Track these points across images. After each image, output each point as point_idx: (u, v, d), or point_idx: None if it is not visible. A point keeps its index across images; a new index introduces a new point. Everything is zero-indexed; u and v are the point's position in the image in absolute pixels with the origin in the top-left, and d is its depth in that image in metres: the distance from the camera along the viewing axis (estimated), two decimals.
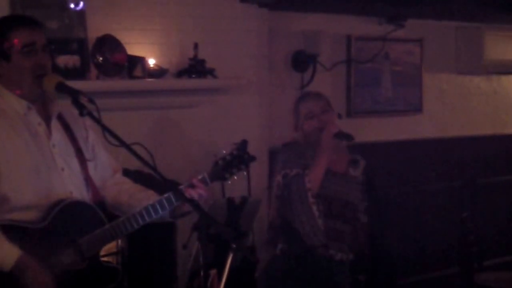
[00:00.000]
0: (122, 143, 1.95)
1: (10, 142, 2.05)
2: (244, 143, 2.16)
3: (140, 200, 2.23)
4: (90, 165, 2.22)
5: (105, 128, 1.96)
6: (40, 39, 2.10)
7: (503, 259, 4.84)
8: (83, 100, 2.01)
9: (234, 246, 1.96)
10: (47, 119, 2.15)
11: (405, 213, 4.62)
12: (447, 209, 4.72)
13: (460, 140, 5.02)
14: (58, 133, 2.16)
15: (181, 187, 2.13)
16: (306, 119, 2.81)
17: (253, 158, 2.16)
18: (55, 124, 2.16)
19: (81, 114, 1.99)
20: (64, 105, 2.20)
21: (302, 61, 4.19)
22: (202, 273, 2.10)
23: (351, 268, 2.83)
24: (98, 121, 1.97)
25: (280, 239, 2.79)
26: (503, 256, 4.88)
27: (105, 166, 2.31)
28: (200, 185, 2.14)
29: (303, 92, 3.07)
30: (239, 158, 2.13)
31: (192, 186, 2.12)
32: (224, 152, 2.15)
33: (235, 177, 2.15)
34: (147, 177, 2.53)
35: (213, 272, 2.73)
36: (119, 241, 2.23)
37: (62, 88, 2.06)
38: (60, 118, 2.19)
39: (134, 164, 2.15)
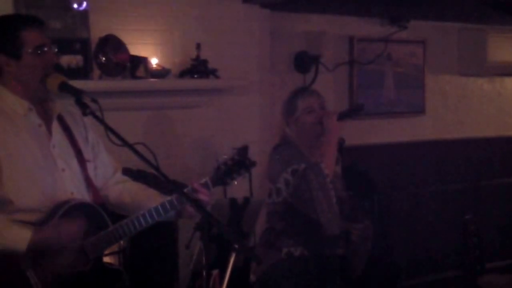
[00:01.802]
0: (125, 143, 1.94)
1: (11, 144, 2.05)
2: (245, 149, 2.17)
3: (142, 201, 2.24)
4: (90, 166, 2.22)
5: (108, 128, 1.96)
6: (48, 39, 2.12)
7: (506, 261, 4.82)
8: (86, 100, 2.01)
9: (236, 246, 1.96)
10: (47, 120, 2.15)
11: (407, 215, 4.62)
12: (449, 211, 4.72)
13: (463, 142, 5.01)
14: (58, 134, 2.16)
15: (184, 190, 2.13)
16: (303, 113, 2.81)
17: (253, 164, 2.16)
18: (55, 125, 2.16)
19: (84, 114, 1.99)
20: (63, 106, 2.20)
21: (304, 62, 4.19)
22: (204, 274, 2.10)
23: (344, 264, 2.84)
24: (101, 120, 1.97)
25: (283, 243, 2.79)
26: (506, 258, 4.86)
27: (106, 165, 2.31)
28: (203, 190, 2.14)
29: (298, 88, 3.06)
30: (240, 163, 2.13)
31: (194, 191, 2.13)
32: (225, 156, 2.15)
33: (235, 182, 2.16)
34: (149, 177, 2.52)
35: (215, 272, 2.72)
36: (121, 241, 2.22)
37: (65, 88, 2.06)
38: (60, 119, 2.19)
39: (137, 164, 2.14)
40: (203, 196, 2.12)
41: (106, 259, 2.18)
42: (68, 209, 2.07)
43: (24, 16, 2.25)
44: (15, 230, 1.98)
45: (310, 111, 2.80)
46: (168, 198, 2.13)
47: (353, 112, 2.78)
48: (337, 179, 2.85)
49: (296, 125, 2.82)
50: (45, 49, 2.09)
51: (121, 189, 2.30)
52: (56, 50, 2.17)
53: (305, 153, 2.79)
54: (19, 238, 1.97)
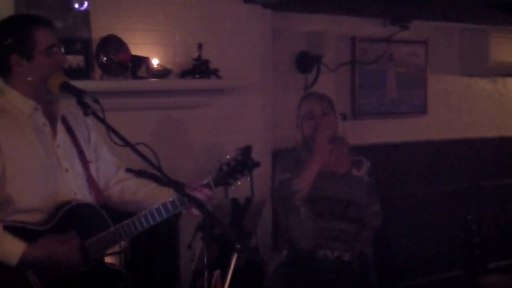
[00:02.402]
0: (127, 143, 1.94)
1: (16, 143, 2.05)
2: (248, 149, 2.15)
3: (143, 196, 2.24)
4: (92, 167, 2.21)
5: (109, 128, 1.95)
6: (57, 40, 2.12)
7: (507, 261, 4.81)
8: (88, 100, 2.01)
9: (238, 246, 1.95)
10: (52, 120, 2.14)
11: (409, 215, 4.61)
12: (451, 211, 4.71)
13: (465, 142, 5.00)
14: (62, 135, 2.16)
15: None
16: (304, 119, 2.81)
17: (257, 164, 2.15)
18: (59, 125, 2.16)
19: (86, 114, 1.98)
20: (65, 106, 2.20)
21: (306, 62, 4.18)
22: (205, 274, 2.09)
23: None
24: (102, 120, 1.97)
25: (284, 245, 2.79)
26: (508, 258, 4.85)
27: (108, 165, 2.30)
28: (204, 191, 2.13)
29: (308, 92, 3.08)
30: (243, 164, 2.12)
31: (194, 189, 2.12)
32: (228, 157, 2.14)
33: (239, 183, 2.15)
34: (151, 177, 2.51)
35: (216, 272, 2.72)
36: (122, 241, 2.22)
37: (66, 88, 2.05)
38: (63, 119, 2.18)
39: (138, 164, 2.14)
40: (201, 196, 2.12)
41: (108, 260, 2.18)
42: (69, 209, 2.07)
43: (35, 16, 2.24)
44: (8, 245, 1.97)
45: (310, 116, 2.79)
46: (170, 198, 2.12)
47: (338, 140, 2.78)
48: (358, 183, 2.82)
49: (300, 129, 2.82)
50: (55, 49, 2.09)
51: (122, 188, 2.30)
52: (63, 51, 2.17)
53: (306, 159, 2.77)
54: (10, 253, 1.96)
